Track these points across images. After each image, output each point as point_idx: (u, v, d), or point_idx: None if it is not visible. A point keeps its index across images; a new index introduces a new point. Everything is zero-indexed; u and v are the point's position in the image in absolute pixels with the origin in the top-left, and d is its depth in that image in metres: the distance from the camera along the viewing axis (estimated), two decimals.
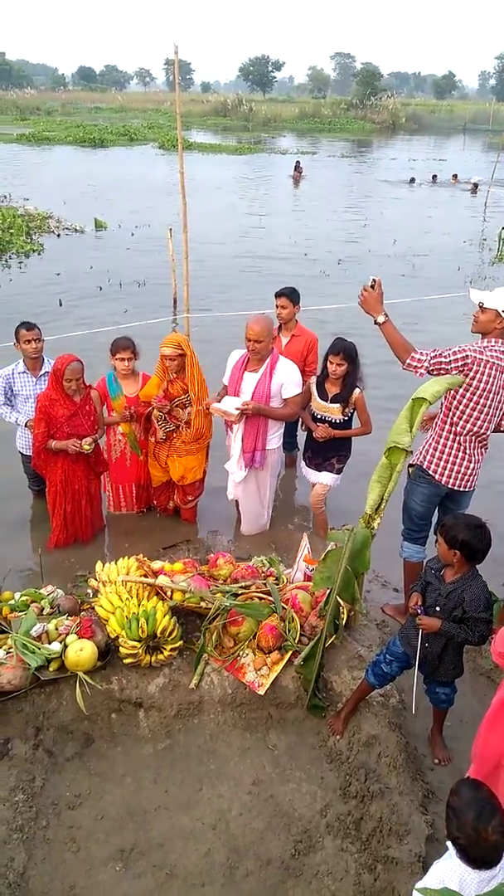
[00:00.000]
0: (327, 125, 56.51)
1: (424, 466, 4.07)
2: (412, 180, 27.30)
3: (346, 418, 4.86)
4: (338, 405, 4.79)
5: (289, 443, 6.13)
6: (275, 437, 4.95)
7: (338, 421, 4.84)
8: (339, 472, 5.04)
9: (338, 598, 3.61)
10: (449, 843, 2.19)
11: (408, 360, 3.83)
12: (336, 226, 18.50)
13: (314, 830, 3.12)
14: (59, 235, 16.25)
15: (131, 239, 16.07)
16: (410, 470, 4.19)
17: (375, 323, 3.89)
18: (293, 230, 17.57)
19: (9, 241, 14.75)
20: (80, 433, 4.74)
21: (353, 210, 21.26)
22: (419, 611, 3.15)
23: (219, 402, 4.80)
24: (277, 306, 5.51)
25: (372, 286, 3.88)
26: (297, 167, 27.51)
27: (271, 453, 4.98)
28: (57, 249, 14.89)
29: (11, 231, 15.47)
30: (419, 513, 4.18)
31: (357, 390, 4.76)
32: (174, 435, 4.96)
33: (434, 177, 27.72)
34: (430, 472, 4.04)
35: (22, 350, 5.02)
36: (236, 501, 5.31)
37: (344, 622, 3.77)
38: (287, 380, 4.73)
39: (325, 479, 5.04)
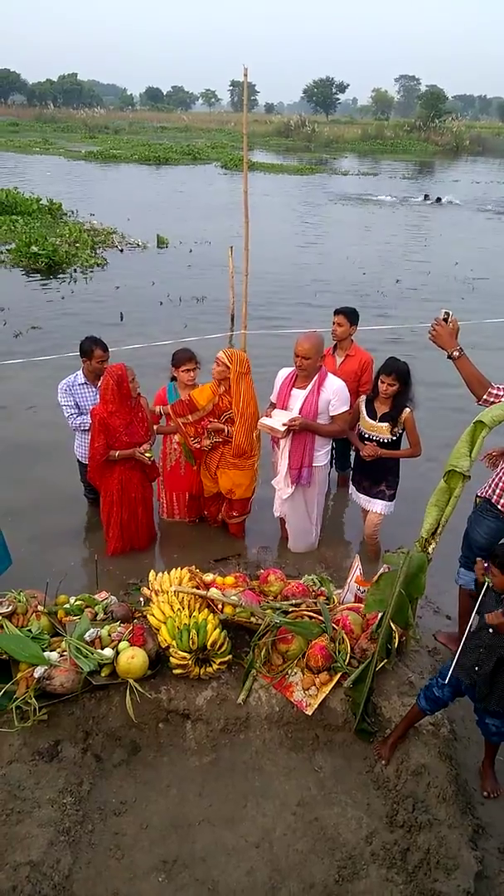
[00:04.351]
0: (389, 146, 56.50)
1: (493, 500, 3.91)
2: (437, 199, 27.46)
3: (395, 438, 4.78)
4: (386, 424, 4.73)
5: (342, 462, 6.11)
6: (322, 454, 4.92)
7: (386, 440, 4.78)
8: (391, 498, 4.98)
9: (391, 622, 3.56)
10: None
11: (484, 396, 3.71)
12: (395, 246, 18.44)
13: (359, 857, 3.07)
14: (122, 250, 16.64)
15: (191, 256, 16.35)
16: (478, 500, 4.08)
17: (449, 357, 3.80)
18: (352, 249, 17.57)
19: (74, 255, 15.19)
20: (137, 440, 4.86)
21: (413, 230, 21.17)
22: (485, 566, 3.06)
23: (269, 416, 4.83)
24: (334, 323, 5.51)
25: (445, 319, 3.77)
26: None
27: (318, 470, 4.96)
28: (120, 264, 15.26)
29: (77, 245, 15.95)
30: (480, 545, 4.03)
31: (407, 409, 4.70)
32: (221, 447, 5.01)
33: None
34: (500, 507, 3.88)
35: (94, 368, 5.15)
36: (282, 519, 5.31)
37: (396, 647, 3.72)
38: (335, 396, 4.72)
39: (378, 507, 4.98)
